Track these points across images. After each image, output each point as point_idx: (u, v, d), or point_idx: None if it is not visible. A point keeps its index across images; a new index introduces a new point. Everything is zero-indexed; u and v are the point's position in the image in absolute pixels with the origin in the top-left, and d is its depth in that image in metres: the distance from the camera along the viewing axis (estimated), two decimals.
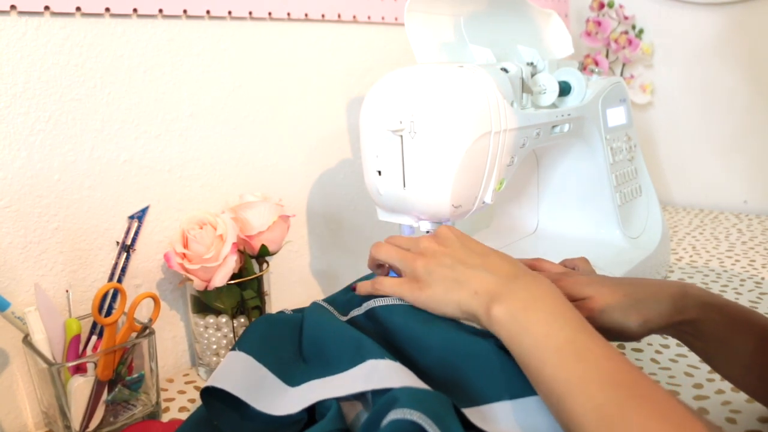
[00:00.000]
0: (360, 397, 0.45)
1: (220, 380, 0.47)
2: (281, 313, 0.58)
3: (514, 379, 0.44)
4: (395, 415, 0.37)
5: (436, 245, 0.50)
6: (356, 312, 0.53)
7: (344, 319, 0.54)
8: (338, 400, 0.44)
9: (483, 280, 0.46)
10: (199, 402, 0.52)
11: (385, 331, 0.50)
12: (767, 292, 0.83)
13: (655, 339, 0.71)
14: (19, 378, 0.59)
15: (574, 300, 0.53)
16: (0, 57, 0.55)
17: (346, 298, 0.57)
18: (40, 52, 0.58)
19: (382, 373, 0.43)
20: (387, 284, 0.51)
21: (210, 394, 0.47)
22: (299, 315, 0.55)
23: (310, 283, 0.87)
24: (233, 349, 0.50)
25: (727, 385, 0.60)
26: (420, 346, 0.48)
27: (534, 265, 0.58)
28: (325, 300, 0.58)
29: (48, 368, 0.54)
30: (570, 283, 0.54)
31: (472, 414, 0.42)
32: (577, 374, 0.38)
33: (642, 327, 0.51)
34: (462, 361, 0.46)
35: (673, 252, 1.01)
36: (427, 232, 0.63)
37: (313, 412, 0.46)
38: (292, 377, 0.49)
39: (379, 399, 0.41)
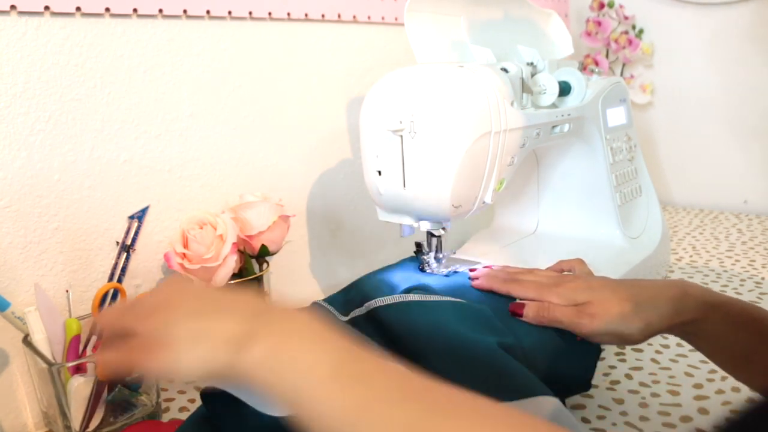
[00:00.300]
0: None
1: None
2: None
3: (516, 380, 0.44)
4: None
5: (165, 297, 0.40)
6: (358, 312, 0.53)
7: (345, 318, 0.54)
8: None
9: (222, 327, 0.36)
10: (199, 402, 0.52)
11: (386, 332, 0.50)
12: (767, 292, 0.83)
13: (656, 339, 0.71)
14: (19, 378, 0.59)
15: (574, 305, 0.53)
16: (0, 57, 0.55)
17: (346, 298, 0.57)
18: (40, 52, 0.58)
19: None
20: (129, 353, 0.38)
21: (210, 395, 0.47)
22: None
23: (310, 283, 0.87)
24: None
25: (727, 385, 0.60)
26: (421, 346, 0.48)
27: (529, 274, 0.58)
28: (324, 300, 0.58)
29: (48, 368, 0.54)
30: (568, 288, 0.53)
31: None
32: (355, 401, 0.33)
33: (643, 331, 0.50)
34: (464, 362, 0.46)
35: (673, 252, 1.01)
36: (427, 231, 0.63)
37: None
38: None
39: None
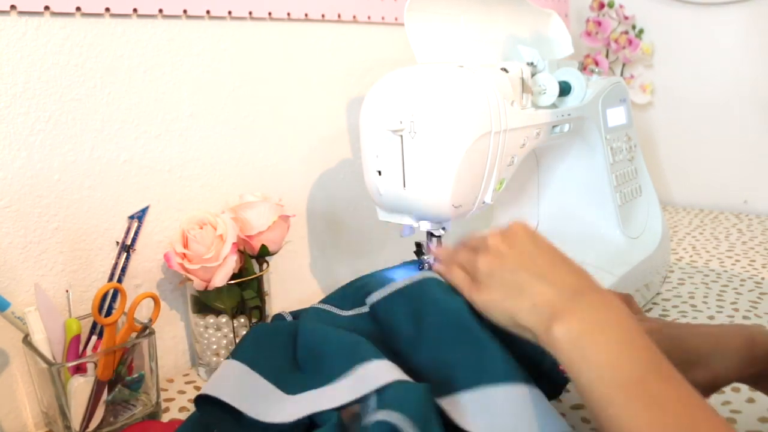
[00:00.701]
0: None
1: (213, 388, 0.47)
2: (278, 315, 0.59)
3: (497, 363, 0.44)
4: (380, 416, 0.38)
5: (502, 244, 0.46)
6: (360, 310, 0.53)
7: (347, 313, 0.54)
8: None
9: (545, 294, 0.41)
10: None
11: (382, 331, 0.50)
12: (767, 292, 0.83)
13: None
14: (19, 378, 0.59)
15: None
16: (0, 57, 0.55)
17: (344, 293, 0.57)
18: (40, 52, 0.58)
19: (370, 376, 0.44)
20: (454, 275, 0.49)
21: (205, 401, 0.48)
22: (294, 323, 0.55)
23: (310, 283, 0.87)
24: (227, 358, 0.51)
25: (727, 386, 0.60)
26: (413, 343, 0.48)
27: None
28: (322, 301, 0.58)
29: (48, 368, 0.54)
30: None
31: (450, 405, 0.43)
32: (648, 422, 0.32)
33: (710, 384, 0.45)
34: (451, 349, 0.46)
35: (673, 252, 1.01)
36: (428, 231, 0.63)
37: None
38: (287, 384, 0.49)
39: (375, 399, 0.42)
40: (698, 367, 0.45)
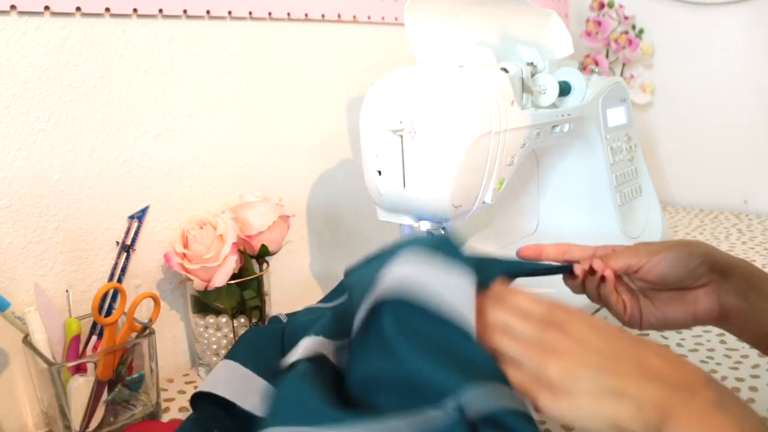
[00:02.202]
0: None
1: (208, 385, 0.48)
2: (275, 318, 0.59)
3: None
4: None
5: (568, 340, 0.38)
6: (342, 299, 0.53)
7: (330, 305, 0.54)
8: None
9: (648, 392, 0.35)
10: None
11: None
12: None
13: (655, 339, 0.71)
14: (19, 378, 0.59)
15: (634, 271, 0.49)
16: (0, 57, 0.55)
17: (335, 289, 0.56)
18: (40, 52, 0.58)
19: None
20: (515, 377, 0.38)
21: (202, 400, 0.48)
22: (283, 324, 0.56)
23: (310, 283, 0.87)
24: (222, 359, 0.52)
25: (727, 386, 0.60)
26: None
27: (565, 251, 0.52)
28: (319, 301, 0.58)
29: (48, 368, 0.54)
30: (630, 252, 0.50)
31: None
32: None
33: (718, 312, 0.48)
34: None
35: None
36: (427, 231, 0.63)
37: None
38: (277, 381, 0.50)
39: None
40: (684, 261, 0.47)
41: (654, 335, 0.72)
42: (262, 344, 0.53)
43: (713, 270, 0.48)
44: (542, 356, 0.38)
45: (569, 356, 0.37)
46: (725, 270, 0.48)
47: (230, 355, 0.52)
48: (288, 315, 0.60)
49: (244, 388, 0.48)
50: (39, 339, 0.55)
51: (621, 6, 1.26)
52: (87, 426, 0.56)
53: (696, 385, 0.36)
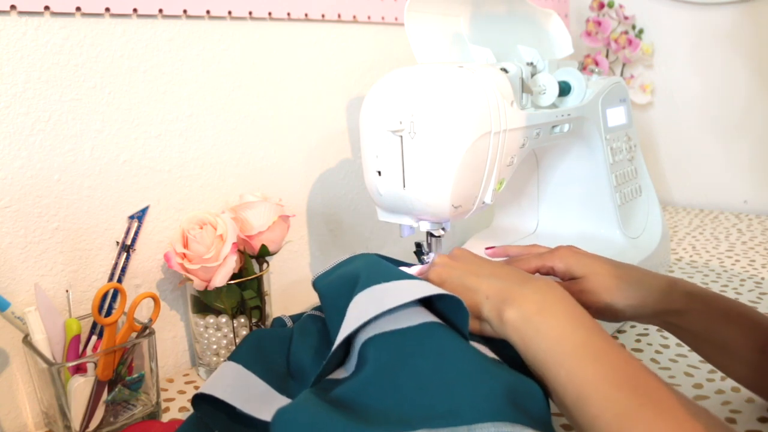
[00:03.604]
0: None
1: (210, 387, 0.48)
2: (278, 320, 0.59)
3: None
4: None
5: (448, 260, 0.52)
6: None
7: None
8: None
9: (494, 286, 0.46)
10: None
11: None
12: (767, 292, 0.83)
13: (655, 339, 0.71)
14: (19, 378, 0.59)
15: (571, 279, 0.56)
16: (0, 57, 0.55)
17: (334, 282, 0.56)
18: (40, 52, 0.58)
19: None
20: None
21: (203, 401, 0.48)
22: (289, 330, 0.56)
23: (310, 283, 0.86)
24: (225, 360, 0.52)
25: (727, 385, 0.60)
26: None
27: (529, 251, 0.60)
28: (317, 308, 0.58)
29: (48, 368, 0.54)
30: (570, 262, 0.56)
31: None
32: (594, 376, 0.38)
33: (628, 309, 0.53)
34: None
35: (673, 252, 1.01)
36: (427, 231, 0.63)
37: None
38: (282, 387, 0.50)
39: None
40: (622, 292, 0.53)
41: (654, 336, 0.72)
42: (266, 347, 0.53)
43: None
44: (428, 271, 0.52)
45: (443, 268, 0.51)
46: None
47: (233, 357, 0.52)
48: (292, 317, 0.60)
49: (246, 391, 0.49)
50: (39, 339, 0.55)
51: (621, 6, 1.26)
52: (87, 426, 0.56)
53: (529, 278, 0.47)
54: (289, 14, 0.77)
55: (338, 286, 0.50)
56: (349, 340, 0.47)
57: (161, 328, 0.69)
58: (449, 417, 0.38)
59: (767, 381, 0.52)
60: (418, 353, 0.43)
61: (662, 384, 0.38)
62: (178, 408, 0.63)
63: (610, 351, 0.40)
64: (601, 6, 1.26)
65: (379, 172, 0.60)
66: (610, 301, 0.53)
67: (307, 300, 0.83)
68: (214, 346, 0.67)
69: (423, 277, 0.52)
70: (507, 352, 0.46)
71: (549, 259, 0.58)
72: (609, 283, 0.54)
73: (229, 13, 0.71)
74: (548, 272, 0.58)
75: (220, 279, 0.63)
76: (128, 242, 0.63)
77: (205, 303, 0.66)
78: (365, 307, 0.45)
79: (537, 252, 0.60)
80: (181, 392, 0.66)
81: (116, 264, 0.63)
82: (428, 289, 0.45)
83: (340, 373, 0.48)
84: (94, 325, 0.59)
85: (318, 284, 0.55)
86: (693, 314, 0.52)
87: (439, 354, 0.43)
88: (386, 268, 0.49)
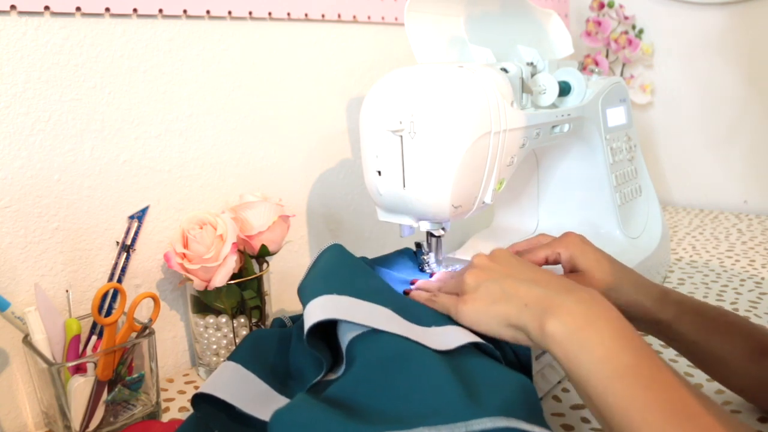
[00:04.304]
0: None
1: (210, 387, 0.48)
2: (278, 320, 0.59)
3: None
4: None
5: (487, 261, 0.49)
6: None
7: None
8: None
9: (534, 293, 0.43)
10: None
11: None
12: (767, 292, 0.83)
13: (655, 339, 0.71)
14: (19, 378, 0.59)
15: (572, 270, 0.56)
16: (0, 57, 0.55)
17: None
18: (40, 52, 0.58)
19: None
20: (440, 299, 0.51)
21: (203, 401, 0.48)
22: (289, 330, 0.56)
23: None
24: (225, 360, 0.52)
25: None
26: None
27: (536, 243, 0.59)
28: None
29: (48, 368, 0.54)
30: (575, 253, 0.56)
31: None
32: (644, 403, 0.36)
33: (621, 311, 0.52)
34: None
35: (673, 252, 1.01)
36: (427, 231, 0.63)
37: None
38: (280, 385, 0.50)
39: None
40: (617, 294, 0.52)
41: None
42: (265, 347, 0.54)
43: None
44: (465, 272, 0.48)
45: (481, 270, 0.48)
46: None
47: (233, 357, 0.52)
48: (292, 318, 0.60)
49: (245, 391, 0.49)
50: (39, 339, 0.55)
51: (621, 6, 1.26)
52: (87, 426, 0.56)
53: (573, 287, 0.43)
54: (289, 14, 0.77)
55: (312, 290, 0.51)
56: (338, 344, 0.48)
57: (161, 328, 0.69)
58: (446, 414, 0.38)
59: (760, 389, 0.52)
60: (409, 350, 0.44)
61: (717, 410, 0.36)
62: (178, 408, 0.63)
63: (659, 376, 0.37)
64: (601, 6, 1.26)
65: (379, 172, 0.60)
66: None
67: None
68: (214, 346, 0.67)
69: (458, 279, 0.50)
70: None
71: (556, 246, 0.57)
72: (607, 282, 0.53)
73: (229, 13, 0.71)
74: (555, 259, 0.57)
75: (220, 279, 0.63)
76: (128, 242, 0.63)
77: (205, 303, 0.66)
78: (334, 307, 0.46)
79: (544, 242, 0.59)
80: (181, 392, 0.66)
81: (116, 264, 0.63)
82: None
83: (332, 375, 0.48)
84: (94, 325, 0.59)
85: (299, 291, 0.54)
86: (684, 324, 0.52)
87: (429, 352, 0.44)
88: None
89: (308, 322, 0.46)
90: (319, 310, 0.46)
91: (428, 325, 0.48)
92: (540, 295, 0.43)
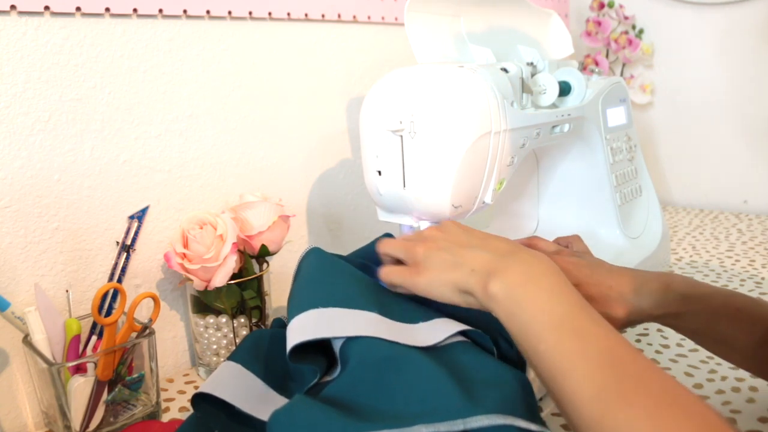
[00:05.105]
0: None
1: (209, 387, 0.48)
2: (278, 320, 0.59)
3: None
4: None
5: (437, 232, 0.50)
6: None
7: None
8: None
9: (480, 258, 0.45)
10: None
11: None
12: (767, 292, 0.83)
13: (656, 339, 0.71)
14: (19, 378, 0.59)
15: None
16: (0, 57, 0.55)
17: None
18: (40, 52, 0.58)
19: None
20: (389, 272, 0.50)
21: (202, 401, 0.48)
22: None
23: None
24: (225, 360, 0.52)
25: (727, 386, 0.60)
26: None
27: (529, 244, 0.58)
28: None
29: (48, 368, 0.54)
30: (564, 263, 0.54)
31: None
32: (575, 351, 0.37)
33: (625, 320, 0.51)
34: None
35: (673, 252, 1.01)
36: None
37: None
38: (280, 385, 0.50)
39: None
40: (616, 303, 0.51)
41: (654, 336, 0.72)
42: (265, 347, 0.53)
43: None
44: (415, 245, 0.49)
45: (432, 241, 0.49)
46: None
47: (233, 357, 0.52)
48: None
49: (245, 391, 0.49)
50: (39, 339, 0.55)
51: (621, 6, 1.26)
52: (87, 426, 0.56)
53: (517, 249, 0.45)
54: (289, 14, 0.77)
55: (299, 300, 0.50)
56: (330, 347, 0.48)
57: (161, 328, 0.69)
58: (444, 412, 0.38)
59: None
60: (403, 349, 0.44)
61: (646, 360, 0.37)
62: (178, 408, 0.63)
63: (592, 327, 0.39)
64: (601, 6, 1.26)
65: (379, 172, 0.60)
66: (607, 313, 0.51)
67: None
68: (214, 346, 0.67)
69: (409, 251, 0.50)
70: (496, 326, 0.46)
71: (564, 241, 0.58)
72: (606, 294, 0.52)
73: (229, 13, 0.71)
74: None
75: (220, 279, 0.63)
76: (128, 242, 0.63)
77: (205, 303, 0.66)
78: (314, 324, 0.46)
79: (544, 241, 0.59)
80: (181, 392, 0.66)
81: (116, 264, 0.63)
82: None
83: (327, 378, 0.48)
84: (94, 325, 0.59)
85: (287, 304, 0.54)
86: (690, 315, 0.52)
87: (422, 352, 0.44)
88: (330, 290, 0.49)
89: (289, 343, 0.45)
90: (298, 332, 0.46)
91: (416, 321, 0.48)
92: (486, 258, 0.45)
